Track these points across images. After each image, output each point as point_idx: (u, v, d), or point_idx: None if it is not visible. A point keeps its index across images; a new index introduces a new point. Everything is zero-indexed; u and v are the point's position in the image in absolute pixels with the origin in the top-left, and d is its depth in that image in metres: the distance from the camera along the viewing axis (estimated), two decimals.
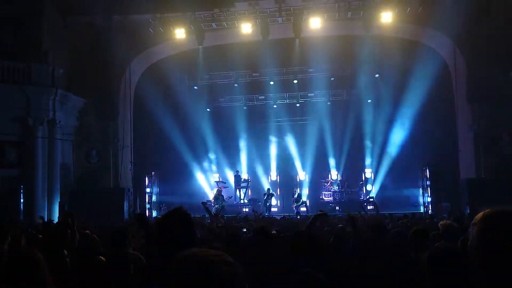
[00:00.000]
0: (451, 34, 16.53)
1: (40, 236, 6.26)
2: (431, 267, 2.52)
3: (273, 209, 19.18)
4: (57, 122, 16.71)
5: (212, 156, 21.91)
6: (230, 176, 21.48)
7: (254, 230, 4.58)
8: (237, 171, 21.06)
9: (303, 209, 18.52)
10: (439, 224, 4.99)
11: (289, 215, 15.58)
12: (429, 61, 17.29)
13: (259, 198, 20.14)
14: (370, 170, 20.66)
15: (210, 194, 21.15)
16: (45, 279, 2.15)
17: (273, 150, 21.99)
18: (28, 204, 15.84)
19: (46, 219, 13.50)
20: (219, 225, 6.79)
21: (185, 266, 1.08)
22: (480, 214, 1.56)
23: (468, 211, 13.34)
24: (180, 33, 17.17)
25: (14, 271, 2.16)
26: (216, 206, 19.08)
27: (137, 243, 5.55)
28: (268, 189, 19.64)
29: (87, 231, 7.10)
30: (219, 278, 1.06)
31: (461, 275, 2.39)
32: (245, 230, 7.19)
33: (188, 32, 17.27)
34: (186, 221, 2.36)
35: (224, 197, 19.66)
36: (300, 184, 21.08)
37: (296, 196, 19.29)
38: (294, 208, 18.47)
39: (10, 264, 2.26)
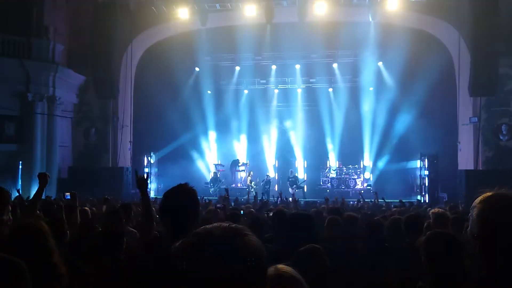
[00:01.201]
0: (457, 24, 16.36)
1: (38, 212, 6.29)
2: (427, 251, 2.54)
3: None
4: (57, 98, 16.62)
5: (211, 138, 21.90)
6: (228, 159, 21.53)
7: (274, 212, 4.72)
8: (237, 160, 21.13)
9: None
10: (430, 213, 4.81)
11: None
12: (434, 51, 17.14)
13: (257, 183, 20.18)
14: (369, 158, 20.70)
15: (208, 176, 21.23)
16: (51, 249, 2.16)
17: (272, 134, 21.98)
18: (26, 180, 15.87)
19: (44, 196, 13.55)
20: (218, 205, 6.82)
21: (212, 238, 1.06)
22: (479, 197, 1.56)
23: (465, 202, 13.40)
24: (183, 13, 16.99)
25: (19, 241, 2.17)
26: (213, 188, 19.20)
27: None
28: (267, 175, 19.68)
29: (86, 208, 7.17)
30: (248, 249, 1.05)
31: (456, 259, 2.42)
32: (242, 212, 7.22)
33: (192, 13, 17.08)
34: (192, 196, 2.42)
35: (222, 180, 19.76)
36: (298, 170, 21.13)
37: (292, 177, 19.24)
38: (290, 190, 18.31)
39: (15, 233, 2.27)
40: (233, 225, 1.12)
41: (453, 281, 2.34)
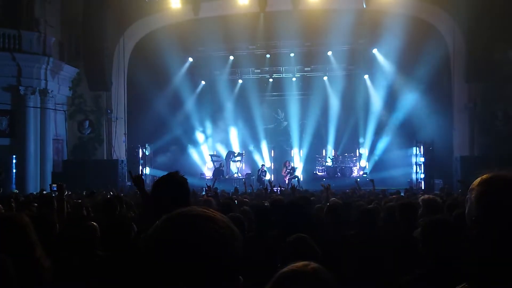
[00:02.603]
0: (452, 11, 16.27)
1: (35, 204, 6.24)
2: (424, 238, 2.51)
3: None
4: (49, 91, 16.45)
5: (206, 129, 21.80)
6: (224, 150, 21.48)
7: (270, 201, 4.71)
8: (233, 151, 21.07)
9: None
10: (419, 200, 4.57)
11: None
12: (429, 38, 17.05)
13: (253, 173, 20.17)
14: (365, 146, 20.69)
15: (204, 167, 21.19)
16: (33, 242, 2.10)
17: (268, 124, 21.91)
18: (20, 174, 15.77)
19: (38, 190, 13.47)
20: (209, 194, 6.78)
21: (170, 223, 1.02)
22: (477, 180, 1.50)
23: (460, 188, 13.43)
24: (175, 3, 16.79)
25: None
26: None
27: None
28: (263, 165, 19.65)
29: (79, 201, 7.14)
30: (205, 234, 0.99)
31: (454, 244, 2.39)
32: (236, 202, 7.18)
33: (184, 2, 16.88)
34: (182, 185, 2.40)
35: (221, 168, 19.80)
36: (294, 159, 21.11)
37: (290, 168, 19.24)
38: (286, 181, 18.28)
39: None
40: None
41: (451, 266, 2.30)
